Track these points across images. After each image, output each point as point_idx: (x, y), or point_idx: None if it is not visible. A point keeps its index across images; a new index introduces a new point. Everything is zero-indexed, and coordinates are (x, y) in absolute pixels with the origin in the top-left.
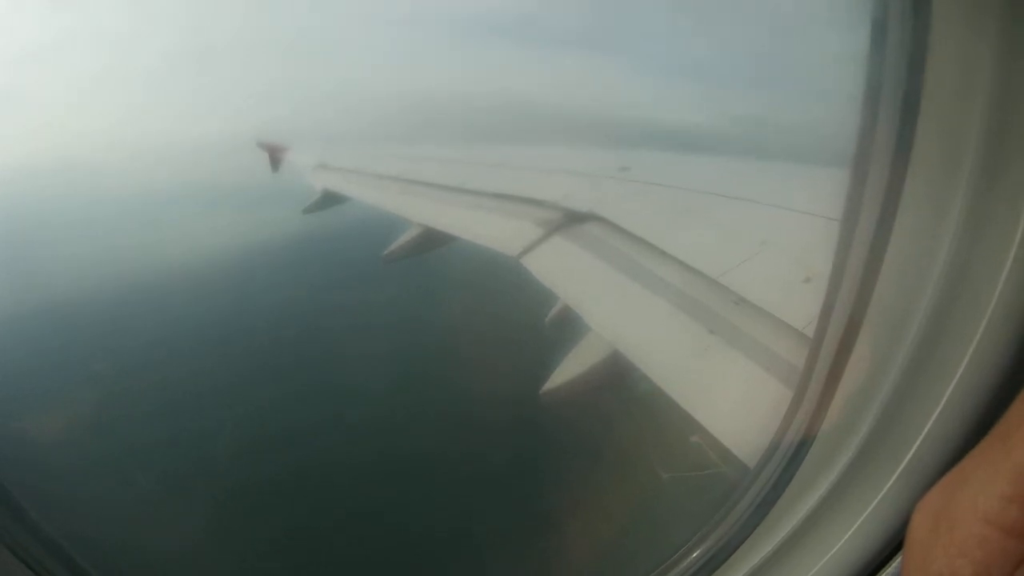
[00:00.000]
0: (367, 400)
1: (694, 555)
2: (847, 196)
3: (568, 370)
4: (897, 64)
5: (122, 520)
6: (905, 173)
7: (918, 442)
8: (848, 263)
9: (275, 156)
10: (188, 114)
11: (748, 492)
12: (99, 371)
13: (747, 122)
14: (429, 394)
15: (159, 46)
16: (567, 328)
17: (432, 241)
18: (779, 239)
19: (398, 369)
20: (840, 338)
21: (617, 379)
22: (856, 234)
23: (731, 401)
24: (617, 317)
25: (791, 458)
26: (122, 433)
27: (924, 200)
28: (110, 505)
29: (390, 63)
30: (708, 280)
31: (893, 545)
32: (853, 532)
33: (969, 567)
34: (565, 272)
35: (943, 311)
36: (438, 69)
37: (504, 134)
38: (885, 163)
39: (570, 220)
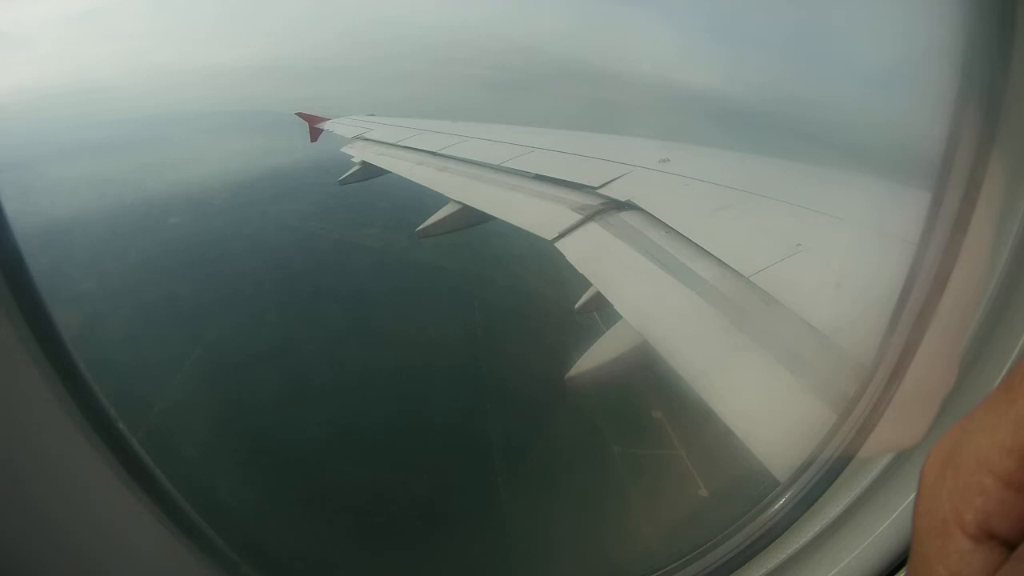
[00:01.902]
0: (389, 371)
1: (709, 557)
2: (923, 223)
3: (595, 357)
4: (980, 90)
5: None
6: (976, 200)
7: None
8: (914, 288)
9: (314, 127)
10: (202, 43)
11: (773, 504)
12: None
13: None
14: (451, 369)
15: None
16: (597, 315)
17: (467, 219)
18: (814, 243)
19: (422, 345)
20: (895, 366)
21: (643, 369)
22: (925, 260)
23: (757, 402)
24: (647, 307)
25: (824, 475)
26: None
27: (988, 228)
28: None
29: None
30: (740, 278)
31: (902, 558)
32: (865, 547)
33: (970, 514)
34: (599, 259)
35: (991, 335)
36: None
37: (545, 118)
38: (959, 187)
39: (607, 208)
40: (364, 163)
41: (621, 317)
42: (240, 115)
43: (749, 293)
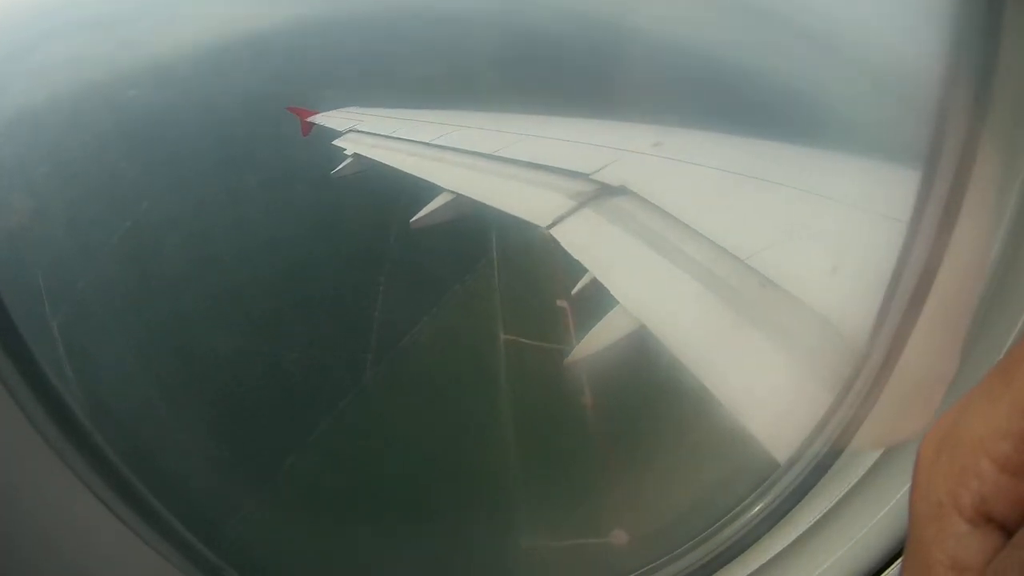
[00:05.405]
0: (387, 362)
1: (704, 548)
2: (913, 205)
3: (593, 342)
4: (968, 74)
5: None
6: (967, 184)
7: None
8: (905, 272)
9: (306, 121)
10: None
11: (772, 489)
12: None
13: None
14: (452, 359)
15: None
16: (594, 301)
17: (462, 209)
18: (809, 226)
19: (421, 334)
20: (887, 351)
21: (642, 354)
22: (919, 245)
23: (754, 384)
24: (644, 292)
25: (819, 462)
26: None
27: (982, 209)
28: None
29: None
30: (735, 260)
31: (900, 546)
32: (862, 536)
33: (967, 497)
34: (594, 245)
35: (989, 322)
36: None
37: (537, 103)
38: (950, 171)
39: (601, 193)
40: (357, 155)
41: (618, 303)
42: None
43: (746, 276)
